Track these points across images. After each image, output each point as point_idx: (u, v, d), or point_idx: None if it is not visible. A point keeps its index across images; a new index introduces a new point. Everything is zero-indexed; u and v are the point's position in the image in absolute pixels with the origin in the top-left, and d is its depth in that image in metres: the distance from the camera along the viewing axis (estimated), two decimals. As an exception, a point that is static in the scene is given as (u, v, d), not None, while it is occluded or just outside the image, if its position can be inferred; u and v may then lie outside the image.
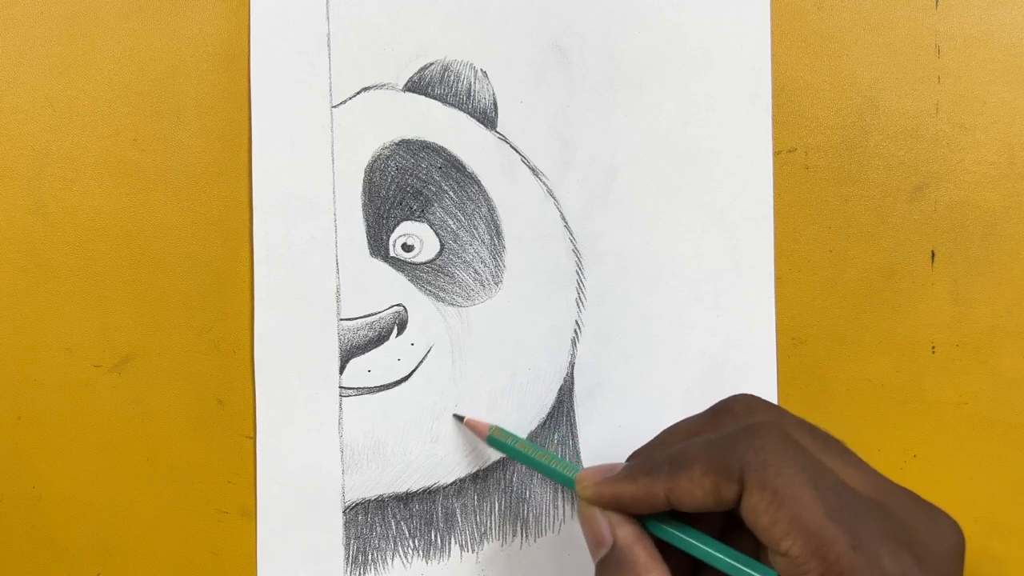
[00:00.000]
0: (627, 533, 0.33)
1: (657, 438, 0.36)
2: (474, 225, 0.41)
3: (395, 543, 0.41)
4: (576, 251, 0.41)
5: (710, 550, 0.32)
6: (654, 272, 0.41)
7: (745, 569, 0.32)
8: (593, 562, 0.34)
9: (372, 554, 0.41)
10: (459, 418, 0.41)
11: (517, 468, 0.41)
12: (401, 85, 0.41)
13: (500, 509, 0.41)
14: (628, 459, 0.36)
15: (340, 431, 0.40)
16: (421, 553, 0.41)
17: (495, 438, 0.39)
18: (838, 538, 0.29)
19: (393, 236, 0.41)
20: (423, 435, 0.41)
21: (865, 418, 0.42)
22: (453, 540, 0.41)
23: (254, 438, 0.41)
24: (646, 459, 0.34)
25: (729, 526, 0.35)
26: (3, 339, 0.40)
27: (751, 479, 0.30)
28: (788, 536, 0.30)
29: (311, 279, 0.40)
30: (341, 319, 0.40)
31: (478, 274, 0.41)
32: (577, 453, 0.41)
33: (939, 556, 0.31)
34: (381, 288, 0.41)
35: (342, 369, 0.40)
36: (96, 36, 0.40)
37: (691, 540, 0.33)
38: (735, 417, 0.34)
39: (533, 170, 0.41)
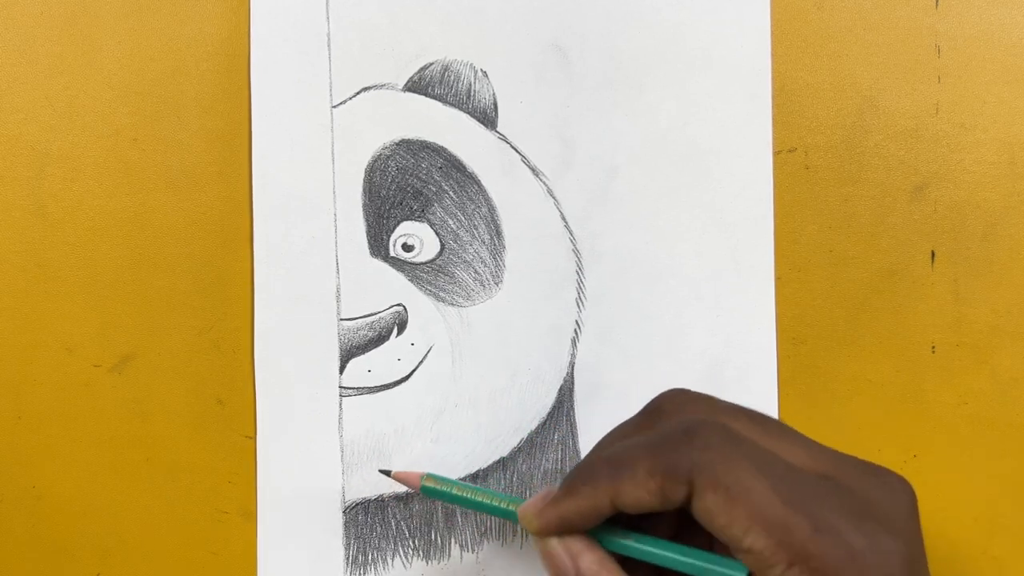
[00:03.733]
0: (591, 562, 0.32)
1: (591, 451, 0.35)
2: (474, 225, 0.41)
3: (395, 543, 0.41)
4: (576, 251, 0.41)
5: (672, 555, 0.32)
6: (654, 272, 0.41)
7: (714, 567, 0.31)
8: None
9: (372, 554, 0.41)
10: (386, 472, 0.39)
11: (517, 468, 0.41)
12: (401, 85, 0.41)
13: (500, 509, 0.41)
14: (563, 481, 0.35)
15: (340, 431, 0.41)
16: (421, 553, 0.41)
17: (429, 487, 0.37)
18: (799, 524, 0.29)
19: (393, 236, 0.41)
20: (423, 435, 0.41)
21: (865, 418, 0.42)
22: (453, 540, 0.41)
23: (254, 438, 0.41)
24: (584, 469, 0.33)
25: (681, 524, 0.34)
26: (3, 339, 0.40)
27: (701, 480, 0.30)
28: (749, 532, 0.29)
29: (311, 279, 0.40)
30: (341, 319, 0.40)
31: (478, 274, 0.41)
32: (577, 453, 0.41)
33: (898, 517, 0.30)
34: (381, 288, 0.41)
35: (342, 369, 0.40)
36: (96, 36, 0.41)
37: (651, 549, 0.32)
38: (667, 416, 0.33)
39: (533, 170, 0.41)
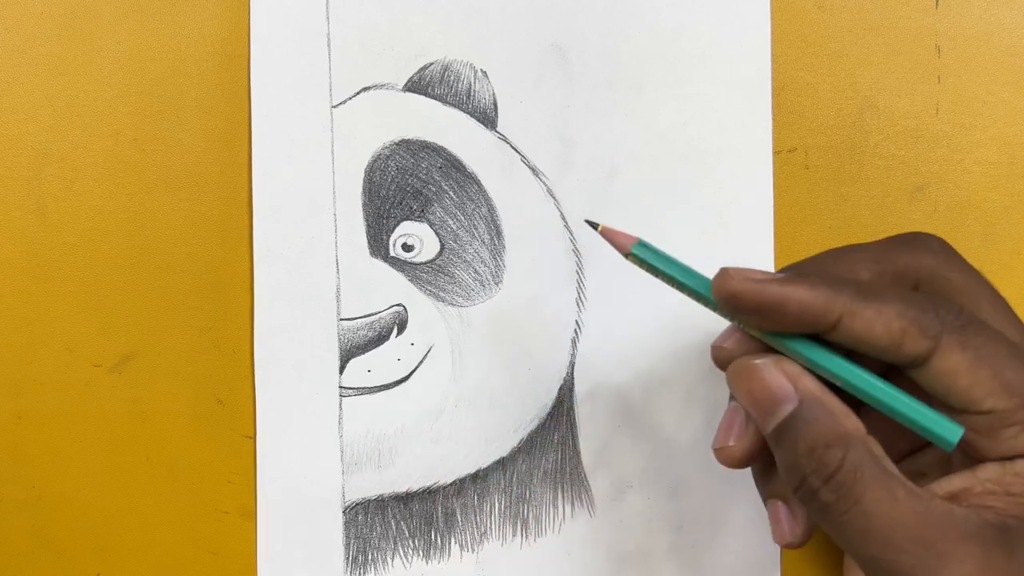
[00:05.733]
0: (814, 384, 0.30)
1: (815, 259, 0.33)
2: (474, 225, 0.41)
3: (395, 543, 0.41)
4: (576, 251, 0.41)
5: (890, 395, 0.31)
6: (654, 272, 0.41)
7: (932, 421, 0.30)
8: (764, 430, 0.31)
9: (372, 554, 0.41)
10: (594, 225, 0.34)
11: (517, 468, 0.41)
12: (401, 85, 0.41)
13: (500, 509, 0.41)
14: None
15: (340, 431, 0.41)
16: (421, 553, 0.41)
17: (637, 254, 0.33)
18: None
19: (393, 236, 0.41)
20: (423, 435, 0.41)
21: (865, 418, 0.42)
22: (453, 540, 0.41)
23: (254, 438, 0.41)
24: (823, 273, 0.31)
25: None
26: (3, 339, 0.40)
27: (949, 340, 0.30)
28: (992, 394, 0.30)
29: (311, 279, 0.40)
30: (341, 319, 0.41)
31: (478, 274, 0.41)
32: (577, 453, 0.41)
33: None
34: (381, 288, 0.41)
35: (342, 369, 0.40)
36: (96, 36, 0.41)
37: (861, 377, 0.30)
38: (913, 255, 0.33)
39: (533, 170, 0.41)
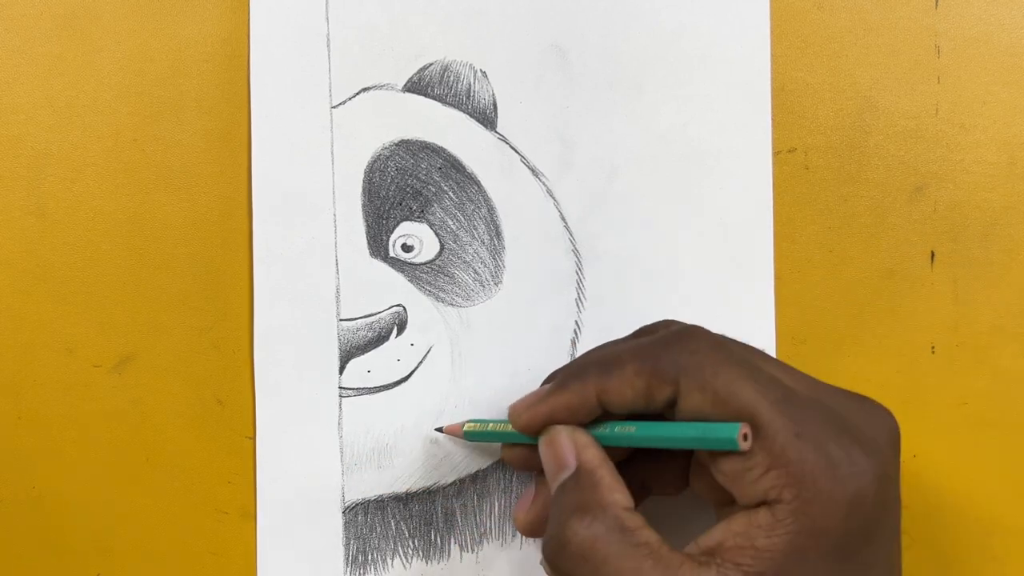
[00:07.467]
0: (592, 456, 0.33)
1: (581, 355, 0.36)
2: (474, 225, 0.41)
3: (395, 543, 0.41)
4: (576, 251, 0.41)
5: (661, 433, 0.32)
6: (654, 272, 0.41)
7: (707, 435, 0.30)
8: (551, 487, 0.33)
9: (372, 554, 0.41)
10: (439, 430, 0.40)
11: (517, 468, 0.41)
12: (401, 85, 0.41)
13: (500, 509, 0.41)
14: (545, 381, 0.37)
15: (340, 431, 0.41)
16: (421, 553, 0.41)
17: (470, 431, 0.39)
18: (782, 429, 0.29)
19: (393, 236, 0.41)
20: (423, 435, 0.41)
21: (865, 418, 0.42)
22: (453, 540, 0.41)
23: (254, 438, 0.41)
24: (574, 367, 0.34)
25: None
26: (3, 339, 0.40)
27: (687, 381, 0.31)
28: None
29: (311, 279, 0.41)
30: (341, 319, 0.41)
31: (478, 274, 0.41)
32: (577, 453, 0.41)
33: (878, 442, 0.31)
34: (381, 288, 0.41)
35: (342, 369, 0.40)
36: (96, 36, 0.41)
37: (636, 433, 0.33)
38: (659, 330, 0.34)
39: (533, 170, 0.41)
